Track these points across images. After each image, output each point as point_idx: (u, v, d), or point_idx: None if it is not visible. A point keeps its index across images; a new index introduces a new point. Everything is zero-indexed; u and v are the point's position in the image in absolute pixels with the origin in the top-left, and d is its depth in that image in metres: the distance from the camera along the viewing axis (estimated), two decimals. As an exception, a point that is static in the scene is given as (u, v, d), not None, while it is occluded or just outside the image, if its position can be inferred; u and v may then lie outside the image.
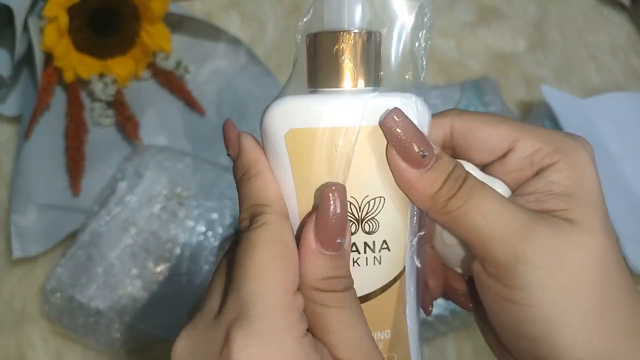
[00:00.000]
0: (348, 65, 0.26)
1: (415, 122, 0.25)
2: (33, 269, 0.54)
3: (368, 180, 0.25)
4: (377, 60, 0.26)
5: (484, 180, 0.27)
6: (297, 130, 0.25)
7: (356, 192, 0.26)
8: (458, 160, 0.27)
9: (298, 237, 0.25)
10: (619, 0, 0.74)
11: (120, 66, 0.61)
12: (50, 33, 0.54)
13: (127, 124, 0.59)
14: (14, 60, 0.55)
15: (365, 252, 0.26)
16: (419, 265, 0.28)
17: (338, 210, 0.24)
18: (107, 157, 0.58)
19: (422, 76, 0.28)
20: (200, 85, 0.63)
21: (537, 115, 0.62)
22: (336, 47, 0.26)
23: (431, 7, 0.28)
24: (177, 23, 0.64)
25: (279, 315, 0.23)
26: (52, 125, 0.58)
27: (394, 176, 0.26)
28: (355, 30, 0.26)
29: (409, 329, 0.28)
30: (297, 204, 0.26)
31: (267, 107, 0.26)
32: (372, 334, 0.26)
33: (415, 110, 0.26)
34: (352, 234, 0.26)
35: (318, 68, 0.26)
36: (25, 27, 0.55)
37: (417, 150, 0.25)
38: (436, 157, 0.25)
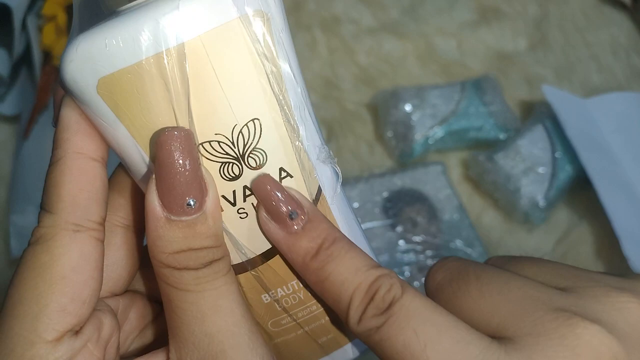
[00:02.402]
0: None
1: (257, 5, 0.20)
2: (32, 269, 0.54)
3: (227, 106, 0.20)
4: None
5: None
6: (108, 77, 0.19)
7: (219, 125, 0.20)
8: None
9: None
10: (620, -1, 0.74)
11: (120, 65, 0.60)
12: (49, 32, 0.54)
13: (126, 123, 0.58)
14: (12, 60, 0.55)
15: None
16: (336, 170, 0.23)
17: (180, 161, 0.19)
18: (106, 157, 0.58)
19: None
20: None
21: (538, 115, 0.62)
22: None
23: None
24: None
25: None
26: (50, 125, 0.58)
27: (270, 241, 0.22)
28: None
29: None
30: (150, 166, 0.20)
31: (61, 60, 0.19)
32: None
33: None
34: (236, 177, 0.21)
35: None
36: (24, 26, 0.54)
37: (285, 210, 0.21)
38: (308, 217, 0.21)
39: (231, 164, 0.21)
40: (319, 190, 0.23)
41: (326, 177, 0.23)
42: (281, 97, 0.21)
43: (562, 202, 0.60)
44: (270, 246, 0.22)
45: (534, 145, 0.59)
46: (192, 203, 0.19)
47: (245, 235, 0.22)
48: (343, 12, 0.72)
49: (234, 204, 0.21)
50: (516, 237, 0.58)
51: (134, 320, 0.24)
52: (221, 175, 0.21)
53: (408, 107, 0.61)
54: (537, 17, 0.74)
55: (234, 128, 0.20)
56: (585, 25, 0.74)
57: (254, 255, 0.22)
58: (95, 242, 0.20)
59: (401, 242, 0.54)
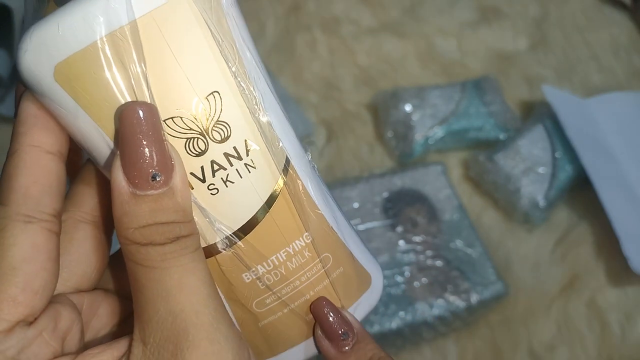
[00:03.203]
0: None
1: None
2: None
3: (185, 80, 0.20)
4: None
5: None
6: (64, 62, 0.19)
7: (180, 101, 0.20)
8: None
9: None
10: (621, -1, 0.74)
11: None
12: (49, 33, 0.54)
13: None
14: (12, 61, 0.55)
15: (232, 165, 0.21)
16: (303, 152, 0.24)
17: (143, 134, 0.19)
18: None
19: None
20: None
21: (538, 115, 0.62)
22: None
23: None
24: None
25: None
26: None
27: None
28: None
29: (326, 217, 0.24)
30: (115, 150, 0.20)
31: (17, 53, 0.19)
32: (290, 245, 0.23)
33: None
34: (203, 152, 0.21)
35: None
36: (24, 27, 0.55)
37: (338, 331, 0.24)
38: (356, 337, 0.25)
39: (196, 139, 0.20)
40: (287, 160, 0.23)
41: (293, 147, 0.23)
42: (234, 69, 0.21)
43: (562, 202, 0.60)
44: (246, 220, 0.22)
45: (534, 146, 0.59)
46: (157, 176, 0.19)
47: (219, 211, 0.21)
48: (343, 13, 0.72)
49: (203, 181, 0.21)
50: (516, 237, 0.58)
51: (104, 317, 0.23)
52: (187, 152, 0.20)
53: (408, 107, 0.61)
54: (537, 17, 0.74)
55: (194, 102, 0.20)
56: (585, 25, 0.74)
57: (230, 232, 0.22)
58: (47, 234, 0.20)
59: (401, 242, 0.54)
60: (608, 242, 0.57)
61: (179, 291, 0.19)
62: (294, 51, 0.68)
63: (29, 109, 0.20)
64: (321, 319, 0.24)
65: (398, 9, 0.73)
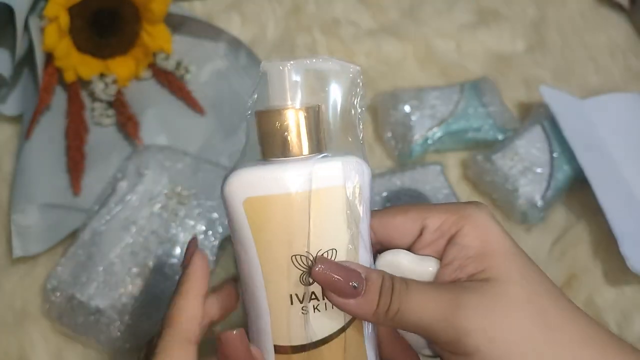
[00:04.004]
0: (293, 137, 0.30)
1: (356, 180, 0.29)
2: (33, 268, 0.54)
3: (321, 235, 0.29)
4: (318, 129, 0.30)
5: (415, 261, 0.31)
6: (253, 198, 0.29)
7: (312, 247, 0.29)
8: (392, 250, 0.32)
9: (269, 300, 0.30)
10: (617, 1, 0.74)
11: (121, 66, 0.61)
12: (51, 33, 0.55)
13: (127, 123, 0.59)
14: (14, 60, 0.55)
15: (324, 299, 0.30)
16: None
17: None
18: (107, 157, 0.58)
19: (360, 138, 0.32)
20: (201, 86, 0.63)
21: (536, 116, 0.63)
22: (280, 122, 0.29)
23: (362, 77, 0.31)
24: (177, 24, 0.64)
25: None
26: (52, 125, 0.58)
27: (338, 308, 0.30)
28: (297, 106, 0.30)
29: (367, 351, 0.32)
30: (262, 272, 0.29)
31: (225, 177, 0.29)
32: None
33: (355, 170, 0.29)
34: (309, 284, 0.29)
35: (268, 140, 0.30)
36: (26, 27, 0.55)
37: (349, 285, 0.28)
38: (365, 281, 0.29)
39: (309, 274, 0.29)
40: None
41: None
42: (352, 236, 0.30)
43: (559, 202, 0.60)
44: (316, 339, 0.30)
45: (531, 146, 0.60)
46: None
47: (302, 326, 0.30)
48: (343, 14, 0.72)
49: (301, 302, 0.30)
50: (514, 236, 0.57)
51: None
52: (300, 280, 0.29)
53: (407, 108, 0.62)
54: (535, 19, 0.74)
55: (318, 251, 0.29)
56: (583, 27, 0.74)
57: (305, 343, 0.30)
58: (194, 352, 0.30)
59: (400, 242, 0.54)
60: (605, 241, 0.57)
61: None
62: (294, 52, 0.69)
63: (200, 264, 0.32)
64: (327, 283, 0.29)
65: (397, 11, 0.74)
